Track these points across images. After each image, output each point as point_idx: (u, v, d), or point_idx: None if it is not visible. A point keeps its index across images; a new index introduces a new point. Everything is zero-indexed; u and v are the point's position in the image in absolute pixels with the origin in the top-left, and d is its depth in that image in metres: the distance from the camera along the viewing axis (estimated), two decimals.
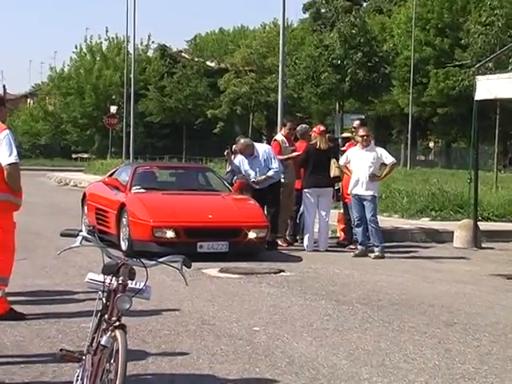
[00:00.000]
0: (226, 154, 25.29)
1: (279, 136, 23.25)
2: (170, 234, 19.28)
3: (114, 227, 20.83)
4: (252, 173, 22.16)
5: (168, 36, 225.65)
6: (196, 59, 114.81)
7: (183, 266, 7.17)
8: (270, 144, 24.92)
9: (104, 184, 23.31)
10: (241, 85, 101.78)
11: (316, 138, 22.80)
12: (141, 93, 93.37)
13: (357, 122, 24.02)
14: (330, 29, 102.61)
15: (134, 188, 21.51)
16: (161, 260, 7.21)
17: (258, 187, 22.16)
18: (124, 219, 20.22)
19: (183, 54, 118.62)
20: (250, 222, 20.33)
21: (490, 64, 27.51)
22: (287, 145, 22.61)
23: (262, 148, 22.34)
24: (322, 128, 23.62)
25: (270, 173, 21.95)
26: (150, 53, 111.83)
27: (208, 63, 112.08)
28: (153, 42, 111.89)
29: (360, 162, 21.46)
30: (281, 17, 44.55)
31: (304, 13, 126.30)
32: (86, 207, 23.80)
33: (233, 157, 24.40)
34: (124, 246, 19.82)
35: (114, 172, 24.90)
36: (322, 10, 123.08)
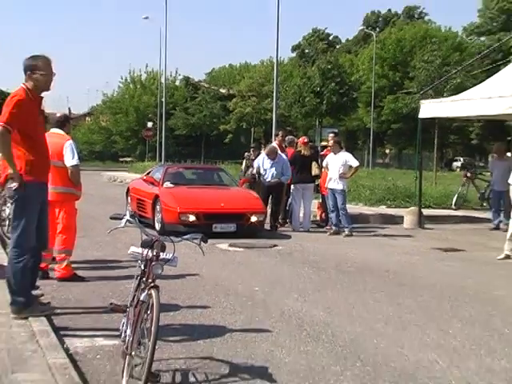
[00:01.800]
0: (246, 156, 25.55)
1: (274, 144, 23.34)
2: (192, 217, 19.59)
3: (150, 213, 21.19)
4: (269, 172, 22.10)
5: (191, 69, 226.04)
6: (212, 87, 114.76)
7: (201, 242, 7.19)
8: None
9: (142, 180, 23.77)
10: (245, 106, 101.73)
11: (301, 146, 22.91)
12: (170, 112, 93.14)
13: (331, 135, 24.03)
14: (312, 64, 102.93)
15: (165, 183, 21.81)
16: (184, 237, 7.23)
17: (267, 184, 22.15)
18: (158, 207, 20.53)
19: (202, 83, 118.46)
20: (252, 208, 20.59)
21: (431, 91, 27.43)
22: (279, 150, 22.67)
23: (282, 157, 22.25)
24: (306, 140, 23.62)
25: (283, 178, 22.06)
26: (177, 82, 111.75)
27: (221, 90, 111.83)
28: (179, 74, 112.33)
29: (333, 164, 21.56)
30: (275, 55, 44.63)
31: (292, 52, 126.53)
32: (129, 198, 24.17)
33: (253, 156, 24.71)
34: (158, 226, 20.09)
35: (150, 172, 25.02)
36: (306, 51, 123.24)
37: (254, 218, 20.35)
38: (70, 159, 12.55)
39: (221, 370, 8.01)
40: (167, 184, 21.81)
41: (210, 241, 7.52)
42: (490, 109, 20.99)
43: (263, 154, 22.79)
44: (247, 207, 20.69)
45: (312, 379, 7.87)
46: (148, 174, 24.71)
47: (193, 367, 8.03)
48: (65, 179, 12.57)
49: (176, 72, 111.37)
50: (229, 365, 8.19)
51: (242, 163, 27.06)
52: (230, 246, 18.31)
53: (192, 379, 7.68)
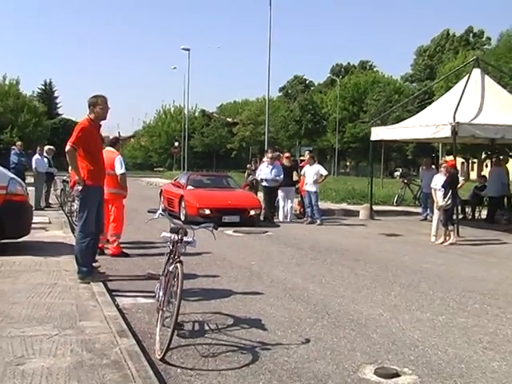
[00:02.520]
0: (248, 167, 25.80)
1: (265, 159, 23.18)
2: (207, 211, 19.53)
3: (177, 208, 21.05)
4: (269, 175, 21.68)
5: (206, 103, 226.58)
6: (221, 117, 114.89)
7: (213, 229, 7.19)
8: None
9: (171, 185, 23.87)
10: (245, 131, 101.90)
11: (284, 160, 22.83)
12: (191, 135, 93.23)
13: (307, 152, 24.04)
14: (293, 101, 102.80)
15: (188, 186, 21.75)
16: (201, 226, 7.22)
17: (267, 185, 21.80)
18: (182, 203, 20.51)
19: (214, 114, 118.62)
20: (251, 205, 20.52)
21: (378, 121, 27.32)
22: (269, 164, 22.52)
23: (277, 164, 22.14)
24: (287, 155, 23.66)
25: (277, 178, 21.60)
26: (196, 113, 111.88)
27: (227, 119, 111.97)
28: (198, 107, 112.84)
29: (308, 173, 21.50)
30: (267, 94, 44.64)
31: (279, 92, 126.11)
32: (162, 197, 23.97)
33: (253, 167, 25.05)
34: (182, 218, 19.90)
35: (177, 178, 24.83)
36: (289, 91, 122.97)
37: (252, 212, 20.25)
38: (119, 169, 12.65)
39: (227, 322, 8.02)
40: (190, 187, 21.70)
41: (219, 229, 7.50)
42: (420, 134, 21.07)
43: (264, 164, 22.43)
44: (248, 204, 20.53)
45: (293, 328, 7.89)
46: (176, 179, 24.49)
47: (207, 319, 8.05)
48: (115, 183, 12.62)
49: (195, 106, 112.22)
50: (233, 318, 8.20)
51: (244, 172, 27.06)
52: (234, 232, 18.14)
53: (206, 328, 7.70)
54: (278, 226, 20.61)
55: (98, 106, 9.87)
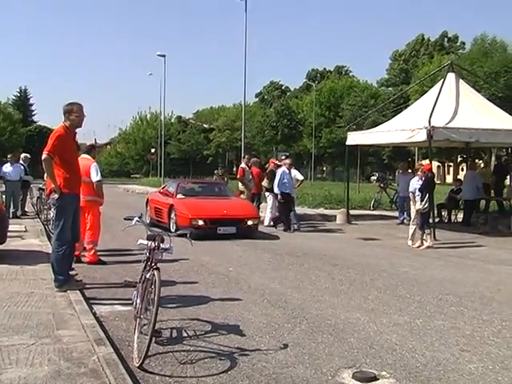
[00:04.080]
0: (215, 172, 25.49)
1: (243, 164, 23.14)
2: (200, 222, 17.94)
3: (166, 218, 19.48)
4: (290, 183, 21.21)
5: (183, 110, 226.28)
6: (197, 123, 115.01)
7: (189, 236, 7.20)
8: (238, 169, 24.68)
9: (159, 193, 22.09)
10: (221, 137, 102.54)
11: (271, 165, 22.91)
12: (167, 141, 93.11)
13: (283, 157, 24.05)
14: (270, 106, 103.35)
15: (178, 195, 20.10)
16: (178, 233, 7.24)
17: (289, 192, 21.16)
18: (172, 214, 19.01)
19: (191, 120, 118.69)
20: (248, 214, 18.93)
21: (354, 126, 27.49)
22: (247, 169, 22.51)
23: (256, 170, 22.39)
24: (288, 161, 23.60)
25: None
26: (172, 120, 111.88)
27: (204, 125, 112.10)
28: (174, 114, 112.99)
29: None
30: (243, 100, 44.71)
31: (255, 98, 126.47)
32: (148, 207, 22.15)
33: (220, 173, 24.87)
34: (172, 229, 18.05)
35: (165, 186, 22.99)
36: (265, 96, 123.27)
37: (250, 222, 18.66)
38: (95, 176, 12.63)
39: (205, 328, 8.02)
40: (180, 195, 20.07)
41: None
42: (395, 138, 21.21)
43: (282, 169, 21.46)
44: (245, 213, 18.95)
45: (271, 333, 7.90)
46: (164, 187, 22.71)
47: (185, 326, 8.04)
48: (91, 191, 12.61)
49: (172, 112, 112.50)
50: (211, 324, 8.20)
51: (212, 177, 26.55)
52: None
53: (184, 334, 7.69)
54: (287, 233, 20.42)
55: (74, 113, 9.85)
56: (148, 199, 22.91)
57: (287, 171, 21.38)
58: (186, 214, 18.32)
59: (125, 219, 7.38)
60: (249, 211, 19.36)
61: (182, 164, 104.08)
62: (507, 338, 7.95)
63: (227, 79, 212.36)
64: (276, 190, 21.17)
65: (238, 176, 22.66)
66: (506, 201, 24.16)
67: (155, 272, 6.60)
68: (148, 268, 6.88)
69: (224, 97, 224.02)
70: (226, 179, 28.10)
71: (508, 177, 26.58)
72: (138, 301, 6.92)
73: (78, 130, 10.22)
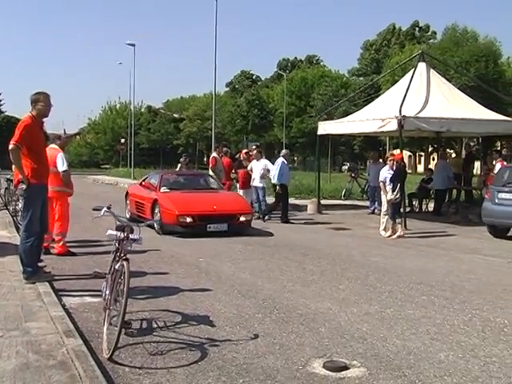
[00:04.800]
0: (181, 161, 24.67)
1: (214, 154, 22.94)
2: (188, 219, 16.53)
3: (149, 214, 17.56)
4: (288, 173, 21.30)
5: (153, 99, 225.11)
6: (167, 112, 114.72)
7: (159, 226, 7.20)
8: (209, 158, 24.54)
9: (140, 186, 20.58)
10: (192, 127, 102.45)
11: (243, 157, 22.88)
12: (137, 132, 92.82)
13: (253, 147, 24.05)
14: (240, 96, 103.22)
15: (162, 188, 18.40)
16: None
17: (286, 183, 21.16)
18: (156, 209, 17.29)
19: (161, 109, 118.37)
20: (241, 210, 17.60)
21: (325, 115, 27.59)
22: (219, 159, 22.34)
23: (226, 160, 22.26)
24: (246, 151, 23.51)
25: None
26: (142, 109, 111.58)
27: (174, 115, 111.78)
28: (144, 103, 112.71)
29: (256, 168, 21.50)
30: (213, 89, 44.61)
31: (226, 87, 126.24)
32: (128, 201, 20.65)
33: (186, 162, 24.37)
34: (157, 227, 16.63)
35: (146, 178, 21.25)
36: (236, 86, 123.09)
37: (242, 218, 17.34)
38: (61, 166, 12.56)
39: (175, 319, 8.02)
40: (164, 189, 18.42)
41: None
42: (366, 128, 21.34)
43: (281, 160, 21.20)
44: (237, 208, 17.65)
45: (241, 323, 7.92)
46: (145, 179, 21.01)
47: (155, 317, 8.05)
48: (59, 181, 12.55)
49: (142, 102, 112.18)
50: (181, 315, 8.20)
51: (178, 167, 25.41)
52: None
53: (154, 325, 7.70)
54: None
55: (40, 102, 9.76)
56: (127, 192, 21.41)
57: (285, 162, 21.33)
58: (173, 210, 16.86)
59: (93, 210, 7.34)
60: (241, 206, 18.12)
61: (151, 154, 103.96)
62: (477, 326, 8.03)
63: (198, 69, 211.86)
64: (276, 180, 20.97)
65: (210, 165, 22.46)
66: (475, 190, 24.37)
67: (124, 263, 6.58)
68: (117, 259, 6.86)
69: (194, 86, 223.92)
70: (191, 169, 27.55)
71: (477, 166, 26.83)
72: (108, 292, 6.90)
73: (46, 120, 10.19)
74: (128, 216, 17.25)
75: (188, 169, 26.04)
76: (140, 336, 7.19)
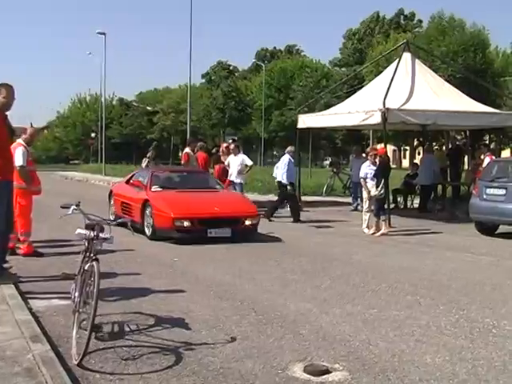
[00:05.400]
0: (149, 155, 24.23)
1: (187, 149, 22.74)
2: (186, 223, 15.27)
3: (138, 217, 16.37)
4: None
5: (125, 91, 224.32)
6: (140, 105, 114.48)
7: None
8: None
9: (126, 184, 19.10)
10: (166, 120, 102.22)
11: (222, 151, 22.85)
12: (108, 125, 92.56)
13: (230, 141, 24.05)
14: (217, 88, 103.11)
15: (154, 187, 17.04)
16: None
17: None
18: (147, 211, 16.13)
19: (133, 102, 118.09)
20: (246, 212, 16.25)
21: (306, 108, 27.64)
22: (193, 154, 22.21)
23: (202, 155, 22.01)
24: (226, 145, 23.45)
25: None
26: (114, 102, 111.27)
27: (147, 108, 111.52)
28: (115, 95, 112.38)
29: (233, 164, 21.47)
30: (188, 81, 44.53)
31: (202, 78, 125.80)
32: (112, 201, 19.24)
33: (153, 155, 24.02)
34: (148, 232, 15.97)
35: (134, 175, 19.66)
36: (212, 77, 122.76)
37: (248, 222, 16.01)
38: (17, 161, 12.06)
39: (149, 322, 8.01)
40: (156, 188, 17.11)
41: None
42: (349, 121, 21.42)
43: (287, 158, 21.09)
44: (241, 210, 16.35)
45: (218, 326, 7.92)
46: (131, 177, 19.46)
47: (127, 320, 8.02)
48: (18, 177, 12.25)
49: (113, 94, 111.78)
50: (155, 317, 8.20)
51: (144, 162, 24.49)
52: None
53: (126, 329, 7.68)
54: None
55: (1, 95, 9.65)
56: (111, 192, 20.00)
57: (292, 160, 21.21)
58: (167, 212, 15.56)
59: (62, 207, 7.30)
60: (246, 207, 16.79)
61: (124, 149, 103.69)
62: (465, 327, 8.08)
63: (172, 59, 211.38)
64: (285, 179, 20.85)
65: (182, 162, 22.34)
66: (463, 185, 24.49)
67: (94, 263, 6.56)
68: (87, 259, 6.83)
69: (169, 78, 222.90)
70: (158, 165, 25.97)
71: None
72: (77, 294, 6.86)
73: (11, 114, 10.05)
74: (113, 218, 16.11)
75: (156, 164, 25.37)
76: (111, 340, 7.16)
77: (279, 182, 21.31)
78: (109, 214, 18.43)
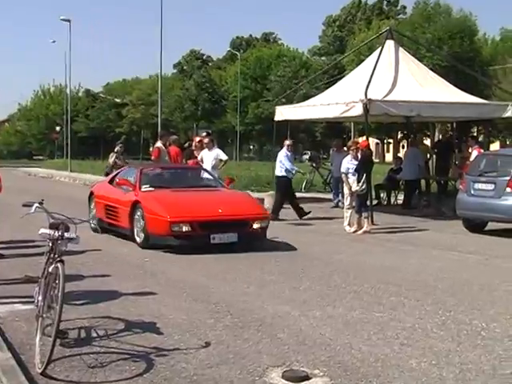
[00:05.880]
0: (118, 150, 23.83)
1: (159, 144, 22.57)
2: (185, 227, 13.89)
3: (126, 222, 15.12)
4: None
5: (91, 82, 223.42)
6: (108, 97, 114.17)
7: (98, 223, 7.14)
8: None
9: (111, 184, 17.35)
10: (136, 113, 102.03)
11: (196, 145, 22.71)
12: (74, 118, 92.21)
13: (204, 134, 23.94)
14: (189, 78, 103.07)
15: (144, 187, 15.58)
16: (84, 219, 7.16)
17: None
18: (137, 215, 14.70)
19: (100, 94, 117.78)
20: (254, 214, 14.90)
21: (283, 99, 27.68)
22: (164, 149, 22.06)
23: (175, 149, 21.87)
24: (199, 139, 23.38)
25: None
26: (80, 93, 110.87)
27: (116, 99, 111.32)
28: (82, 87, 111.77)
29: (207, 158, 21.39)
30: (159, 71, 44.46)
31: (174, 68, 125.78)
32: (93, 203, 17.63)
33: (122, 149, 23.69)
34: (139, 239, 14.56)
35: (118, 173, 18.14)
36: (185, 67, 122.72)
37: (256, 225, 14.58)
38: None
39: (118, 327, 7.99)
40: (146, 187, 15.66)
41: None
42: (329, 113, 21.46)
43: (284, 150, 20.95)
44: (249, 212, 14.91)
45: (192, 330, 7.91)
46: (116, 175, 17.90)
47: (95, 325, 7.99)
48: None
49: (79, 85, 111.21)
50: (124, 322, 8.18)
51: (112, 157, 23.93)
52: None
53: (94, 334, 7.65)
54: None
55: None
56: (92, 193, 18.35)
57: (288, 153, 21.04)
58: (163, 215, 14.09)
59: (24, 206, 7.26)
60: (254, 208, 15.43)
61: (91, 144, 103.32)
62: (452, 330, 8.11)
63: (142, 48, 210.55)
64: (290, 174, 20.96)
65: (153, 157, 22.18)
66: (450, 181, 24.57)
67: (59, 265, 6.52)
68: (51, 261, 6.80)
69: (138, 68, 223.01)
70: (126, 161, 25.13)
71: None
72: (40, 298, 6.82)
73: None
74: (94, 224, 14.79)
75: (123, 160, 24.71)
76: (77, 347, 7.14)
77: (278, 177, 21.33)
78: (89, 218, 16.03)
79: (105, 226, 15.58)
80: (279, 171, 20.96)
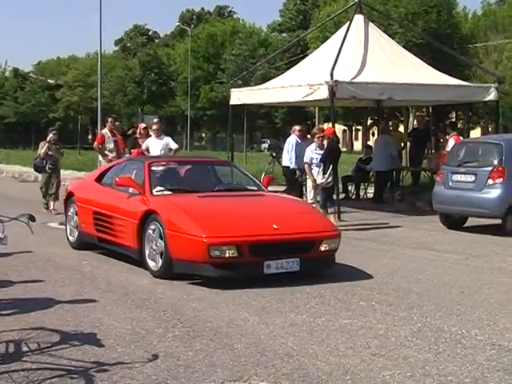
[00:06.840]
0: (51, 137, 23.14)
1: (104, 130, 22.36)
2: (230, 252, 10.71)
3: (132, 239, 12.11)
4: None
5: (20, 61, 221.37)
6: (39, 78, 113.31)
7: (29, 221, 7.05)
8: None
9: (98, 183, 14.47)
10: (72, 96, 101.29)
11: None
12: (0, 102, 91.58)
13: (155, 120, 23.78)
14: (133, 57, 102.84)
15: (157, 189, 12.53)
16: (12, 217, 7.08)
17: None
18: (151, 230, 11.62)
19: (31, 74, 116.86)
20: (321, 231, 11.78)
21: (239, 81, 27.66)
22: (110, 136, 21.81)
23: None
24: (144, 126, 23.30)
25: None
26: (7, 73, 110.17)
27: (49, 80, 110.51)
28: (9, 65, 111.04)
29: (155, 147, 21.30)
30: (99, 49, 44.22)
31: (115, 46, 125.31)
32: (72, 209, 14.58)
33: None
34: (155, 265, 11.56)
35: (106, 171, 14.98)
36: (128, 44, 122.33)
37: (324, 247, 11.56)
38: None
39: (52, 339, 7.90)
40: (160, 189, 12.61)
41: (40, 219, 7.34)
42: (291, 96, 21.42)
43: (294, 140, 20.79)
44: (314, 229, 11.80)
45: (137, 342, 7.87)
46: (104, 173, 14.92)
47: (25, 338, 7.90)
48: None
49: (5, 64, 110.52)
50: (59, 333, 8.10)
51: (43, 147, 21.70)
52: (61, 224, 17.65)
53: (25, 348, 7.55)
54: None
55: None
56: (71, 194, 15.13)
57: (299, 140, 20.81)
58: (197, 234, 10.93)
59: None
60: (318, 222, 12.41)
61: (20, 131, 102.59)
62: (429, 338, 8.17)
63: (79, 23, 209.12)
64: (293, 164, 20.60)
65: (95, 143, 21.86)
66: (429, 172, 24.62)
67: None
68: None
69: (74, 45, 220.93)
70: (61, 151, 22.95)
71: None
72: None
73: None
74: (75, 235, 14.19)
75: (57, 149, 22.39)
76: (6, 363, 7.05)
77: (285, 168, 21.32)
78: (67, 230, 15.09)
79: (92, 242, 13.89)
80: (287, 161, 20.91)
